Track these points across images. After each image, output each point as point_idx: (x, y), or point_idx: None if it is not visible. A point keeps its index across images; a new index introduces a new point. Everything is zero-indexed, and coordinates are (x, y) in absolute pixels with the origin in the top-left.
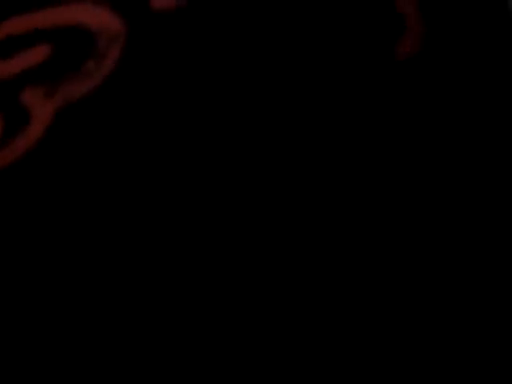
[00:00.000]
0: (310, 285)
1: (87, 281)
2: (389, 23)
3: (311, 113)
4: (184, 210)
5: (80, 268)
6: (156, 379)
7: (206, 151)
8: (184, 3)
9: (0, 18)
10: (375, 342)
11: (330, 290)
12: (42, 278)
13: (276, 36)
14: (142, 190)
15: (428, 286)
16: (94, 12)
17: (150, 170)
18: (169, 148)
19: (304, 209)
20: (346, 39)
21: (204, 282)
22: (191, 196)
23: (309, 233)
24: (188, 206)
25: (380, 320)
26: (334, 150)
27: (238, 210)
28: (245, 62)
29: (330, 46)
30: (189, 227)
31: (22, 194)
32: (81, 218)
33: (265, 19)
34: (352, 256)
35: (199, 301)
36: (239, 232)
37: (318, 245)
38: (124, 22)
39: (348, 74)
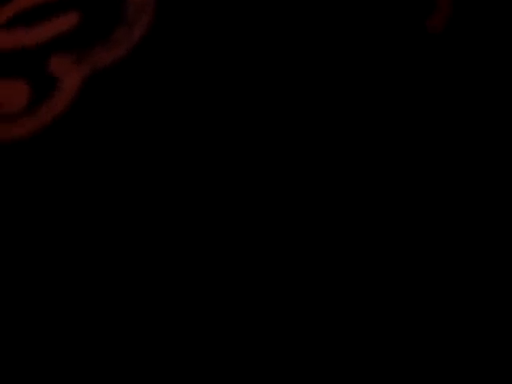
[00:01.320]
0: (310, 284)
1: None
2: (420, 2)
3: (341, 83)
4: (197, 185)
5: (100, 240)
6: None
7: (230, 119)
8: None
9: None
10: (375, 342)
11: (330, 289)
12: (63, 247)
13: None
14: (170, 154)
15: (428, 285)
16: None
17: (178, 136)
18: (197, 115)
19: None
20: (379, 14)
21: (204, 281)
22: (206, 169)
23: (310, 227)
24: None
25: (380, 319)
26: (364, 118)
27: (240, 205)
28: (270, 28)
29: (362, 21)
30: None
31: (49, 163)
32: (106, 186)
33: None
34: (353, 253)
35: (199, 300)
36: (239, 230)
37: (318, 241)
38: None
39: (379, 46)
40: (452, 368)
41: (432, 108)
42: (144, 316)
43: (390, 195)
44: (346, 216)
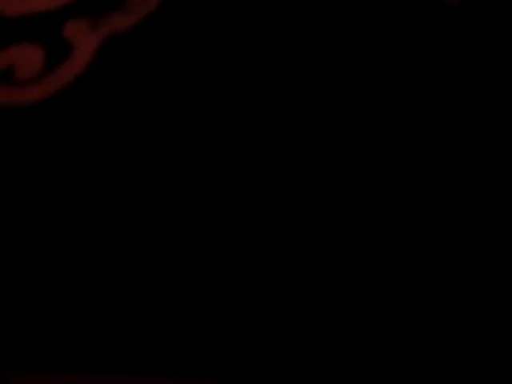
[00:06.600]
0: (310, 283)
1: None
2: None
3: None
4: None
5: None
6: None
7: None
8: None
9: None
10: (375, 342)
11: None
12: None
13: None
14: (188, 116)
15: (428, 284)
16: None
17: (192, 100)
18: (212, 81)
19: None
20: None
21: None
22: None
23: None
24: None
25: (380, 319)
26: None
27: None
28: (287, 12)
29: None
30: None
31: (62, 127)
32: (119, 151)
33: None
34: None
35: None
36: (239, 228)
37: (318, 240)
38: None
39: (396, 19)
40: (452, 368)
41: (447, 82)
42: (143, 315)
43: (392, 183)
44: (346, 214)
